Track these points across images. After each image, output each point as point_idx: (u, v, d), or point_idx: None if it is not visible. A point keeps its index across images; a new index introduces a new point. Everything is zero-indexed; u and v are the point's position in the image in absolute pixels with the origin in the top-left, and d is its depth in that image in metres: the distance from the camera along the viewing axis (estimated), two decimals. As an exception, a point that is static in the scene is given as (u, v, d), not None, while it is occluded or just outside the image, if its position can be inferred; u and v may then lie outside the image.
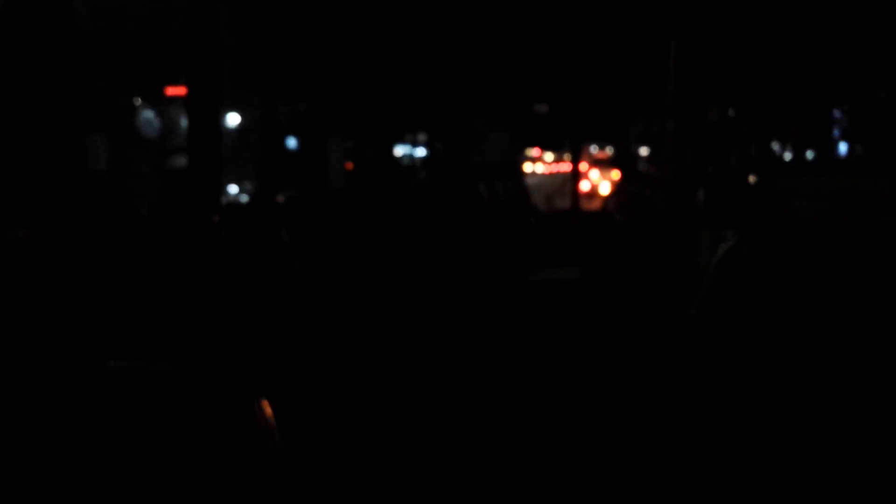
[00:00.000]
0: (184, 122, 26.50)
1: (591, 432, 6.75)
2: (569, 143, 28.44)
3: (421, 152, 31.55)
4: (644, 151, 29.16)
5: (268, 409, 4.81)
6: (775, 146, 25.02)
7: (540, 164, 35.28)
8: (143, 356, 5.47)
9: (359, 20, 18.39)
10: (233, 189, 25.59)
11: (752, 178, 17.75)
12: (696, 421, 6.56)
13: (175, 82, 25.92)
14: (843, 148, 23.99)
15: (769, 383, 6.91)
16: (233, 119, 27.51)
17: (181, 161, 26.03)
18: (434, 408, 7.42)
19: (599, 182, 30.83)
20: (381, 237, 14.99)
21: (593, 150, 32.87)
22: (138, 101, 26.26)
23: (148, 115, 26.47)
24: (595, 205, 26.64)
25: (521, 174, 32.60)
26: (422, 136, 31.44)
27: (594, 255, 16.96)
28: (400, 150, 30.61)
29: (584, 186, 29.22)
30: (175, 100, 26.23)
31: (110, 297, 6.50)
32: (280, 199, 19.98)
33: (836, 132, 22.87)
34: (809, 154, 23.59)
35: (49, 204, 9.92)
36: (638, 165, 24.93)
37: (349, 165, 24.39)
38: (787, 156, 25.45)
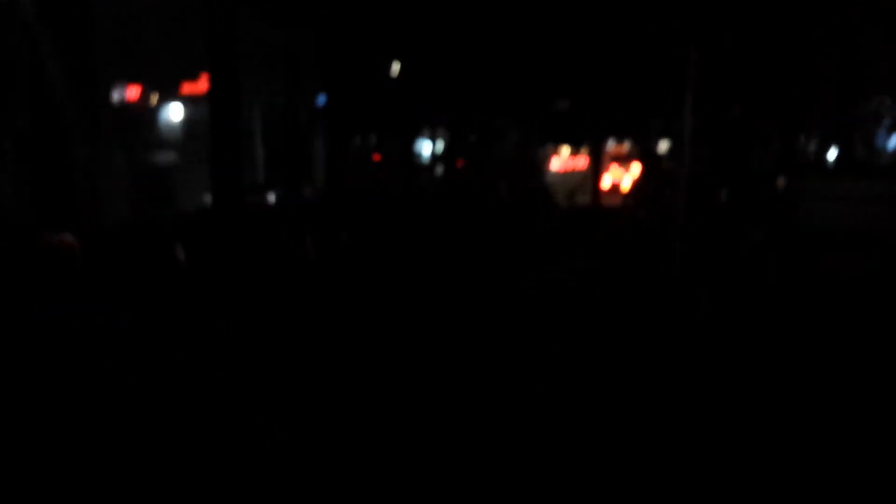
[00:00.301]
0: (164, 117, 26.21)
1: (588, 431, 6.64)
2: (589, 139, 28.25)
3: (429, 148, 31.30)
4: (664, 146, 28.97)
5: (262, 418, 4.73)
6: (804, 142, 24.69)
7: (556, 159, 35.06)
8: (143, 356, 5.49)
9: (379, 18, 18.26)
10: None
11: (780, 181, 17.52)
12: (697, 424, 6.46)
13: (185, 78, 25.77)
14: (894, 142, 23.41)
15: (779, 388, 6.82)
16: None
17: (163, 157, 25.58)
18: (435, 401, 7.33)
19: (621, 178, 30.62)
20: (396, 231, 14.91)
21: (610, 145, 32.63)
22: (155, 100, 26.08)
23: (168, 113, 26.20)
24: (615, 201, 26.47)
25: (541, 171, 32.41)
26: (439, 131, 31.24)
27: (612, 251, 16.86)
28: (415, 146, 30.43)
29: (605, 183, 29.02)
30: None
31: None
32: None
33: (885, 122, 22.36)
34: (834, 151, 23.27)
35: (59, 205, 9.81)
36: (661, 162, 24.71)
37: (377, 157, 24.11)
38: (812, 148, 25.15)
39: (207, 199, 24.73)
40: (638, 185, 25.35)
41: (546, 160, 33.28)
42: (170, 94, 26.15)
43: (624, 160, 32.09)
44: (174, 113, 26.47)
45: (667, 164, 24.12)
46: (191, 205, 22.63)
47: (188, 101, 26.38)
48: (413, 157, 23.32)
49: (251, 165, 24.10)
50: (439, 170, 31.94)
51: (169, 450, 4.46)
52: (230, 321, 7.29)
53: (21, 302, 5.36)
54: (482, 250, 15.61)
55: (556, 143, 33.20)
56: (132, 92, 24.96)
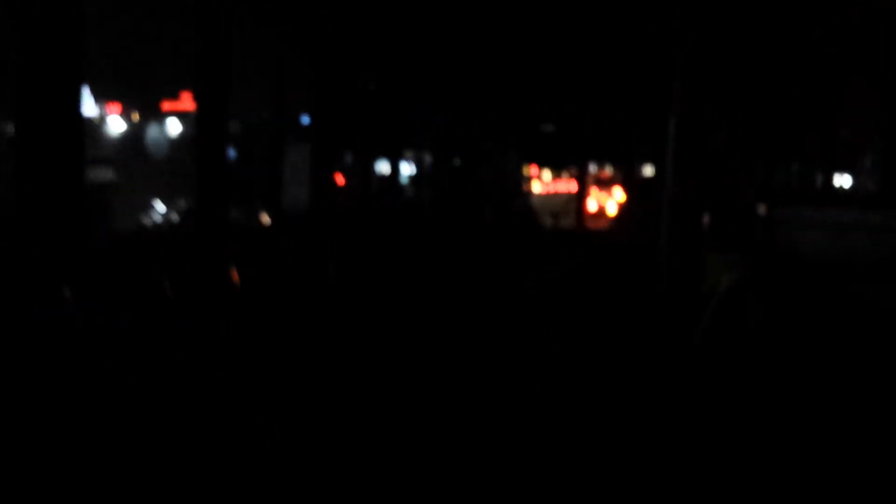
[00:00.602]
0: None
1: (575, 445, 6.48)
2: (574, 163, 28.22)
3: (408, 170, 31.13)
4: (649, 171, 29.03)
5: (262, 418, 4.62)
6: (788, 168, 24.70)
7: (538, 182, 35.08)
8: (143, 356, 5.40)
9: (368, 34, 18.10)
10: (160, 207, 23.87)
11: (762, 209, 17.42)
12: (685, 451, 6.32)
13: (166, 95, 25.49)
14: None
15: (765, 416, 6.72)
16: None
17: (98, 174, 24.95)
18: (431, 405, 7.19)
19: (606, 202, 30.70)
20: (386, 248, 14.75)
21: (592, 168, 32.71)
22: (136, 117, 25.79)
23: (155, 133, 25.83)
24: (601, 225, 26.42)
25: (527, 194, 32.37)
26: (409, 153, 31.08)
27: (597, 273, 16.75)
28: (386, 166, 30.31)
29: (591, 206, 29.00)
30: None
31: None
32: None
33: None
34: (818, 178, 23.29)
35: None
36: (649, 186, 24.65)
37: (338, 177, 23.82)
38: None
39: (148, 220, 24.13)
40: (623, 210, 25.29)
41: (527, 182, 33.27)
42: (151, 112, 25.88)
43: (607, 184, 32.21)
44: (114, 127, 25.87)
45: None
46: (127, 227, 21.99)
47: (132, 115, 25.84)
48: (399, 177, 23.16)
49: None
50: (417, 191, 31.80)
51: (169, 449, 4.37)
52: (230, 321, 7.20)
53: (21, 302, 5.27)
54: (460, 278, 15.46)
55: (540, 166, 33.24)
56: (113, 109, 24.72)
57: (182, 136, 25.72)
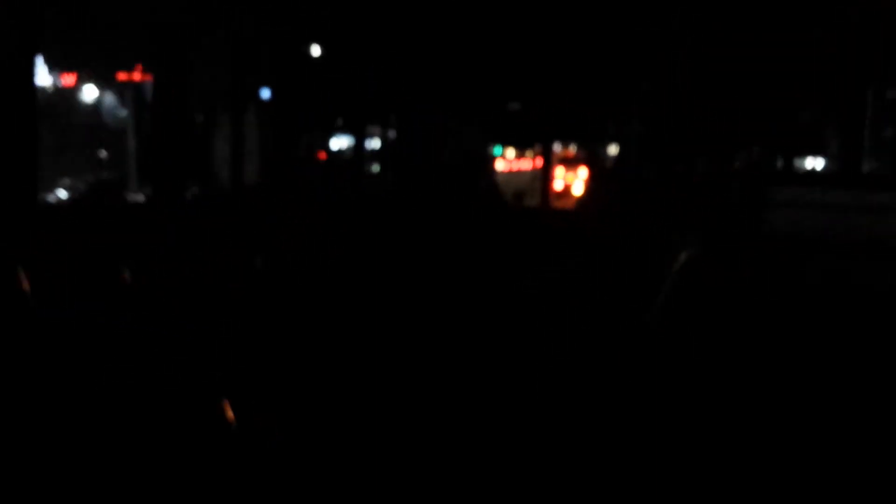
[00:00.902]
0: None
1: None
2: (540, 141, 28.13)
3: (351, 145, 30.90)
4: (613, 150, 29.11)
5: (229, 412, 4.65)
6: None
7: (501, 161, 35.04)
8: (143, 356, 5.37)
9: (335, 14, 17.79)
10: (65, 182, 22.79)
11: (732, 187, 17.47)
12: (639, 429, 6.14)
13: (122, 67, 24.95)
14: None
15: (719, 393, 6.63)
16: (89, 93, 25.20)
17: None
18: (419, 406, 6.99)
19: (572, 182, 30.73)
20: (357, 231, 14.52)
21: (557, 148, 32.72)
22: (92, 86, 25.26)
23: (111, 101, 25.29)
24: (566, 204, 26.37)
25: (493, 172, 32.27)
26: (372, 130, 30.87)
27: (563, 255, 16.62)
28: (342, 142, 29.97)
29: (558, 186, 28.97)
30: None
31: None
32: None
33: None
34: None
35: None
36: (614, 166, 24.62)
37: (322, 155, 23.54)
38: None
39: (53, 197, 23.37)
40: (587, 190, 25.24)
41: (491, 160, 33.22)
42: (106, 83, 25.36)
43: (573, 163, 32.25)
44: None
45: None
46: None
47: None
48: (362, 155, 22.89)
49: (120, 160, 22.29)
50: (375, 167, 31.65)
51: (169, 449, 4.37)
52: (230, 321, 7.20)
53: (21, 302, 5.32)
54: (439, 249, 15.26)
55: (504, 144, 33.18)
56: (68, 79, 24.22)
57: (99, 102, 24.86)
